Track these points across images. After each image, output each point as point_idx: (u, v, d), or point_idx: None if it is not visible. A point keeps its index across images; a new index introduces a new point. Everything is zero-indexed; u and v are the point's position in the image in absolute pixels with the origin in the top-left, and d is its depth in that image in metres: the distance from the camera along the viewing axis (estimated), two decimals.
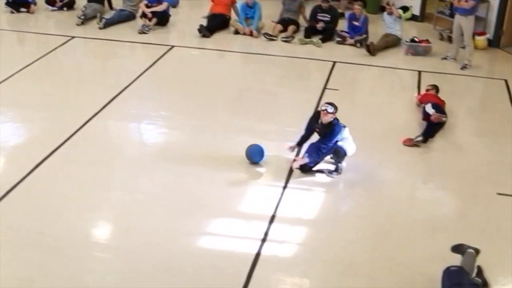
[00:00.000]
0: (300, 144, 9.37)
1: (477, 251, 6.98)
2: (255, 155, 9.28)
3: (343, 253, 7.57)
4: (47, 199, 8.42)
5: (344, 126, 9.12)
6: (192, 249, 7.57)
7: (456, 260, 7.16)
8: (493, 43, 14.95)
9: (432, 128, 10.39)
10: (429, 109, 10.61)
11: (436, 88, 11.56)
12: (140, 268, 7.17)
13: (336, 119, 9.04)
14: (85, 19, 15.46)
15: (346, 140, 9.12)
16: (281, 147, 9.50)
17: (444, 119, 10.52)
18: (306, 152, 9.14)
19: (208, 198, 8.49)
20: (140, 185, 8.81)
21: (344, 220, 8.22)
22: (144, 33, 14.98)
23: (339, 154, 9.03)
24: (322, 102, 11.34)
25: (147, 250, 7.48)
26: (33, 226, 7.85)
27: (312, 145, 9.16)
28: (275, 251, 7.58)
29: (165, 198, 8.50)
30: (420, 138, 10.04)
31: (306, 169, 9.07)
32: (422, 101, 11.17)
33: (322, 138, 9.10)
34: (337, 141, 9.04)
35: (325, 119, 8.96)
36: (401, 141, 10.05)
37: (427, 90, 11.56)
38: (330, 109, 8.93)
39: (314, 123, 9.24)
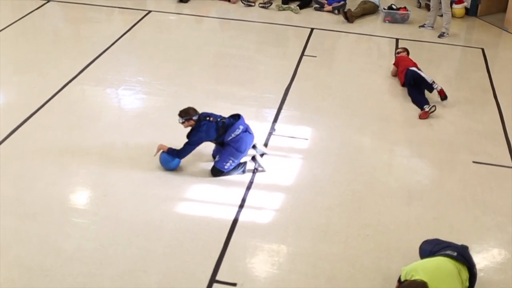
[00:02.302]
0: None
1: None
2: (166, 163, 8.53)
3: (319, 219, 7.62)
4: (23, 166, 8.38)
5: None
6: (170, 215, 7.59)
7: (432, 230, 7.26)
8: (470, 12, 14.97)
9: (422, 90, 10.56)
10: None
11: (406, 50, 11.61)
12: (118, 234, 7.19)
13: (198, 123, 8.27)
14: None
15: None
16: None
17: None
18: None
19: (185, 164, 8.48)
20: (117, 151, 8.79)
21: (320, 187, 8.25)
22: None
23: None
24: (301, 68, 11.40)
25: (124, 215, 7.50)
26: (10, 192, 7.83)
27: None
28: (252, 217, 7.62)
29: (141, 164, 8.48)
30: (433, 108, 10.14)
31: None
32: (398, 66, 11.20)
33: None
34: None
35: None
36: (419, 117, 10.08)
37: (398, 53, 11.60)
38: (180, 120, 8.24)
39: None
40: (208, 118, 8.24)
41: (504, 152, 9.25)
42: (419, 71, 10.62)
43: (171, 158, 8.33)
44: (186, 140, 8.27)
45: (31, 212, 7.48)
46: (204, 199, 7.94)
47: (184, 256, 6.93)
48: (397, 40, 13.11)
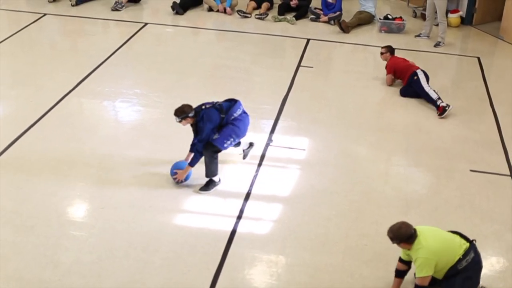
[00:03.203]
0: None
1: None
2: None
3: (317, 230, 7.62)
4: (20, 178, 8.38)
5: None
6: (167, 226, 7.58)
7: None
8: (466, 21, 15.02)
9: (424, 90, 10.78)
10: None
11: (390, 50, 11.66)
12: (115, 247, 7.18)
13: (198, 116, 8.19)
14: None
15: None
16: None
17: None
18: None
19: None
20: (114, 163, 8.78)
21: (318, 197, 8.25)
22: (117, 10, 14.87)
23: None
24: (297, 79, 11.42)
25: (122, 227, 7.49)
26: (8, 205, 7.82)
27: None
28: (250, 228, 7.62)
29: (139, 176, 8.48)
30: (449, 106, 10.47)
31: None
32: (395, 69, 11.31)
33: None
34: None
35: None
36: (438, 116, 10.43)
37: (381, 54, 11.67)
38: (177, 119, 8.16)
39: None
40: (203, 107, 8.19)
41: (501, 161, 9.26)
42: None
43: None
44: (196, 139, 8.19)
45: (29, 225, 7.47)
46: (201, 210, 7.93)
47: (182, 268, 6.92)
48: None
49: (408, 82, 10.96)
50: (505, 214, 8.12)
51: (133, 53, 12.74)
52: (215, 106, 8.20)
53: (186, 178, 8.31)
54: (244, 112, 8.37)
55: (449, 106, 10.40)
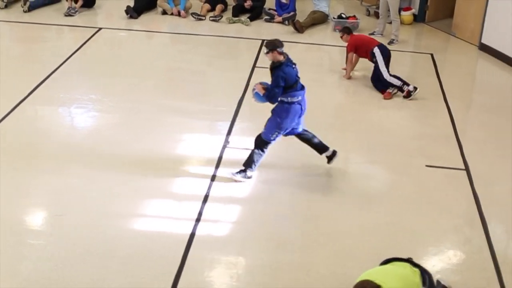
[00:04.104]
0: None
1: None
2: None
3: (276, 230, 7.64)
4: None
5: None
6: (126, 232, 7.54)
7: (388, 235, 7.33)
8: (418, 18, 15.19)
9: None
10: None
11: (347, 32, 11.87)
12: (74, 254, 7.12)
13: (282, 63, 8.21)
14: (9, 2, 15.15)
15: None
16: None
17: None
18: None
19: (140, 180, 8.46)
20: (71, 170, 8.71)
21: (276, 197, 8.28)
22: (71, 15, 14.76)
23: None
24: (253, 80, 11.42)
25: (80, 235, 7.43)
26: None
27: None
28: (209, 230, 7.61)
29: (96, 182, 8.42)
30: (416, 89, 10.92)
31: None
32: (358, 48, 11.52)
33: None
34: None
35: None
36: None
37: (341, 37, 11.91)
38: (265, 51, 8.27)
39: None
40: (293, 66, 8.28)
41: (456, 155, 9.38)
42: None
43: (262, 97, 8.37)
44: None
45: None
46: (160, 214, 7.91)
47: (141, 273, 6.87)
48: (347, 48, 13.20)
49: (371, 60, 11.13)
50: (462, 207, 8.25)
51: (87, 58, 12.65)
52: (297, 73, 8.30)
53: (258, 98, 8.39)
54: (298, 103, 8.27)
55: (416, 89, 10.89)
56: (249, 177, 8.50)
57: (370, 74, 11.43)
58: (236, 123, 9.98)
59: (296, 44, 13.55)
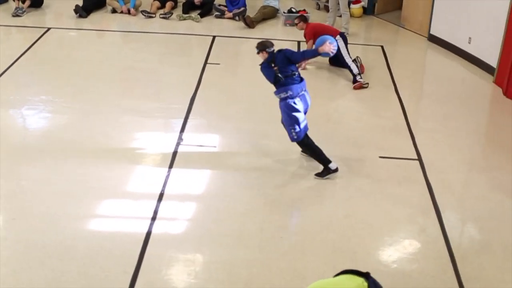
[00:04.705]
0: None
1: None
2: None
3: (233, 226, 7.65)
4: None
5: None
6: (81, 232, 7.48)
7: (344, 227, 7.38)
8: (368, 11, 15.35)
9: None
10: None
11: (303, 20, 12.01)
12: (30, 258, 7.04)
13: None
14: None
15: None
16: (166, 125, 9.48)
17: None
18: None
19: (95, 180, 8.40)
20: (23, 172, 8.62)
21: (232, 193, 8.29)
22: (18, 16, 14.60)
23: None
24: (205, 77, 11.42)
25: (36, 237, 7.34)
26: None
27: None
28: (165, 228, 7.59)
29: (50, 184, 8.34)
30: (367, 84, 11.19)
31: None
32: (312, 35, 11.54)
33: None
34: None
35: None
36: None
37: (296, 25, 12.07)
38: (257, 51, 8.74)
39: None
40: (272, 65, 8.50)
41: (409, 146, 9.49)
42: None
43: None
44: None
45: None
46: (115, 214, 7.87)
47: (99, 273, 6.83)
48: (298, 42, 13.29)
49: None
50: (416, 197, 8.34)
51: (37, 59, 12.52)
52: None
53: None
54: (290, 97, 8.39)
55: (367, 84, 11.10)
56: (334, 170, 8.61)
57: (323, 66, 11.50)
58: (189, 120, 9.97)
59: (247, 40, 13.57)
